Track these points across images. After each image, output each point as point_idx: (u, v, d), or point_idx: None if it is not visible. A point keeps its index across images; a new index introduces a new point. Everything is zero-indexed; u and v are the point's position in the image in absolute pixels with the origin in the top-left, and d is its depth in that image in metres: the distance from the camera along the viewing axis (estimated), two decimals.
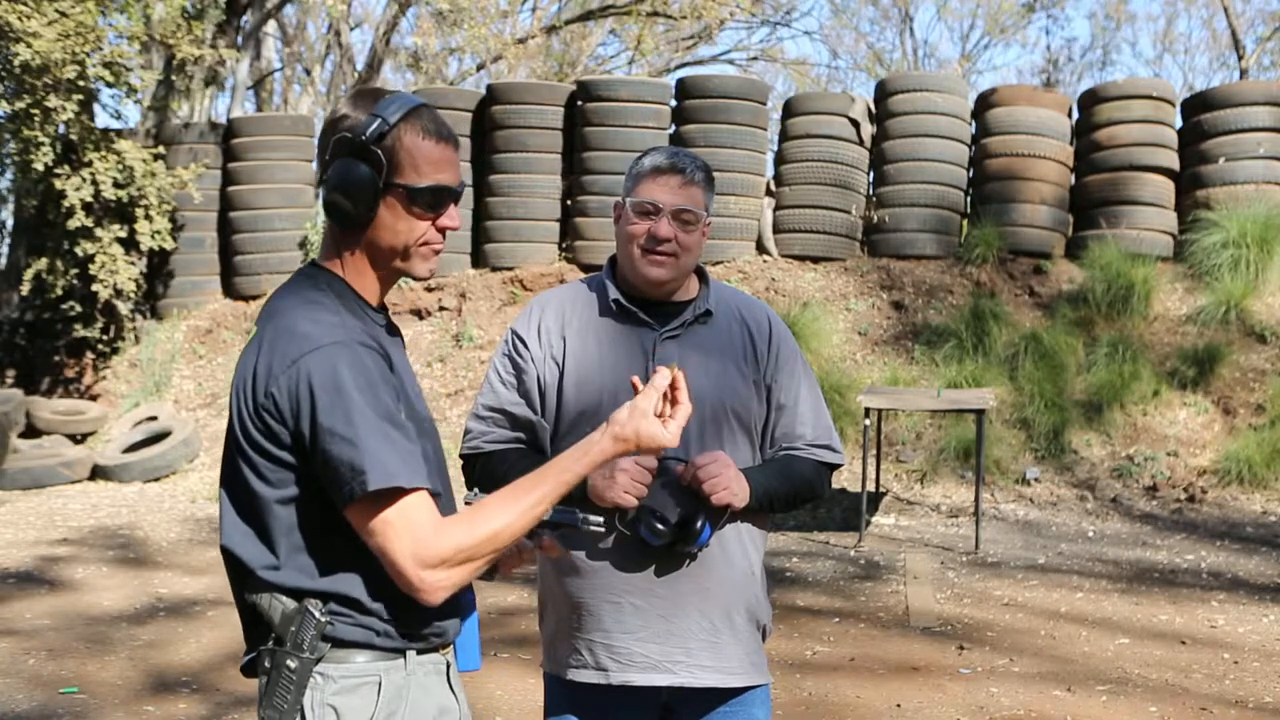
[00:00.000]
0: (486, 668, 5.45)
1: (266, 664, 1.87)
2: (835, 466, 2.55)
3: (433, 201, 1.90)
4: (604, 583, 2.37)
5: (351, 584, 1.86)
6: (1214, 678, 5.41)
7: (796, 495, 2.48)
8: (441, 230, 1.93)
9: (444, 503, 1.91)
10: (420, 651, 1.92)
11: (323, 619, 1.85)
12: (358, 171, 1.86)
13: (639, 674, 2.36)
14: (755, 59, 25.25)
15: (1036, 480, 9.66)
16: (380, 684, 1.87)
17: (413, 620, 1.89)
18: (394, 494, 1.77)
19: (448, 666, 1.98)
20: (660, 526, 2.30)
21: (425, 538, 1.77)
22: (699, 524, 2.30)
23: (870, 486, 8.82)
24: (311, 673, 1.85)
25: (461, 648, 2.01)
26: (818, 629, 6.25)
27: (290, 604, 1.86)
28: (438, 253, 1.96)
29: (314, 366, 1.80)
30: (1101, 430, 10.01)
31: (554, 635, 2.47)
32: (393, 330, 2.02)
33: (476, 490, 2.07)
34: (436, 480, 1.88)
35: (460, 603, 1.97)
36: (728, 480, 2.31)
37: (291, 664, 1.85)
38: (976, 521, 8.35)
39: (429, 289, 12.43)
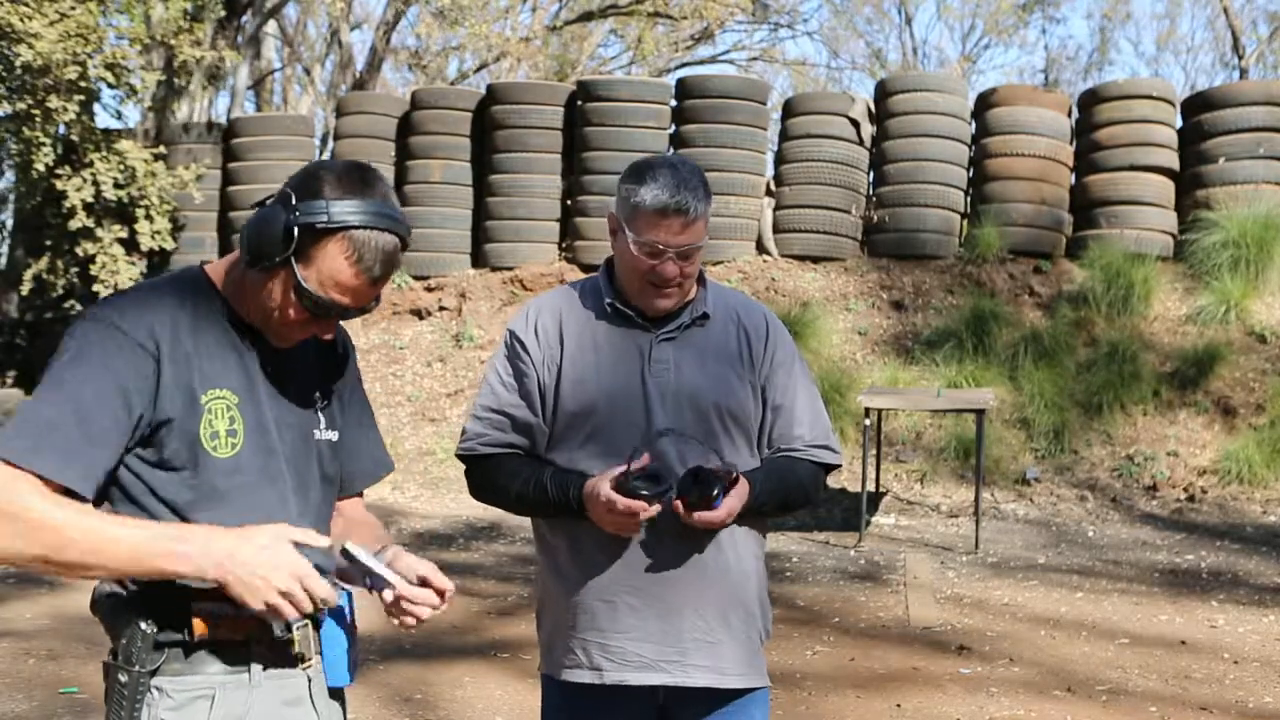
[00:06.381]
0: (487, 668, 5.46)
1: (106, 678, 1.81)
2: (833, 467, 2.54)
3: (314, 310, 1.82)
4: (600, 583, 2.37)
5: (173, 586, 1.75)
6: (1214, 678, 5.41)
7: (789, 501, 2.47)
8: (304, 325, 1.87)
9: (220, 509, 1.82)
10: (269, 665, 1.83)
11: (148, 629, 1.76)
12: (274, 231, 1.78)
13: (634, 674, 2.36)
14: (755, 59, 25.26)
15: (1036, 480, 9.66)
16: (214, 699, 1.78)
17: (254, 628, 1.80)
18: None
19: (309, 682, 1.89)
20: (670, 492, 2.25)
21: (8, 492, 1.66)
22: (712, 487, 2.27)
23: (870, 486, 8.82)
24: (146, 688, 1.76)
25: (329, 663, 1.91)
26: (817, 629, 6.25)
27: (118, 606, 1.79)
28: (292, 332, 1.89)
29: (67, 333, 1.79)
30: (1101, 430, 10.01)
31: (551, 636, 2.47)
32: (301, 345, 1.93)
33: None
34: (97, 476, 1.74)
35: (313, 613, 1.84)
36: (722, 518, 2.29)
37: (122, 678, 1.76)
38: (976, 521, 8.35)
39: (429, 289, 12.44)
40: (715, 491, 2.24)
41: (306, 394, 1.96)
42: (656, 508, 2.23)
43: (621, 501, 2.21)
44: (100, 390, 1.72)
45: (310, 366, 1.99)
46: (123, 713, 1.75)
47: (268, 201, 1.82)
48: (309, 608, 1.73)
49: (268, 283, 1.82)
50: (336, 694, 1.96)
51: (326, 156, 16.77)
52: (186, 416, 1.78)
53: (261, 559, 1.70)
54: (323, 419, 1.98)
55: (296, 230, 1.76)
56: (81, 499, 1.71)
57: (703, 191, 2.35)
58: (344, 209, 1.76)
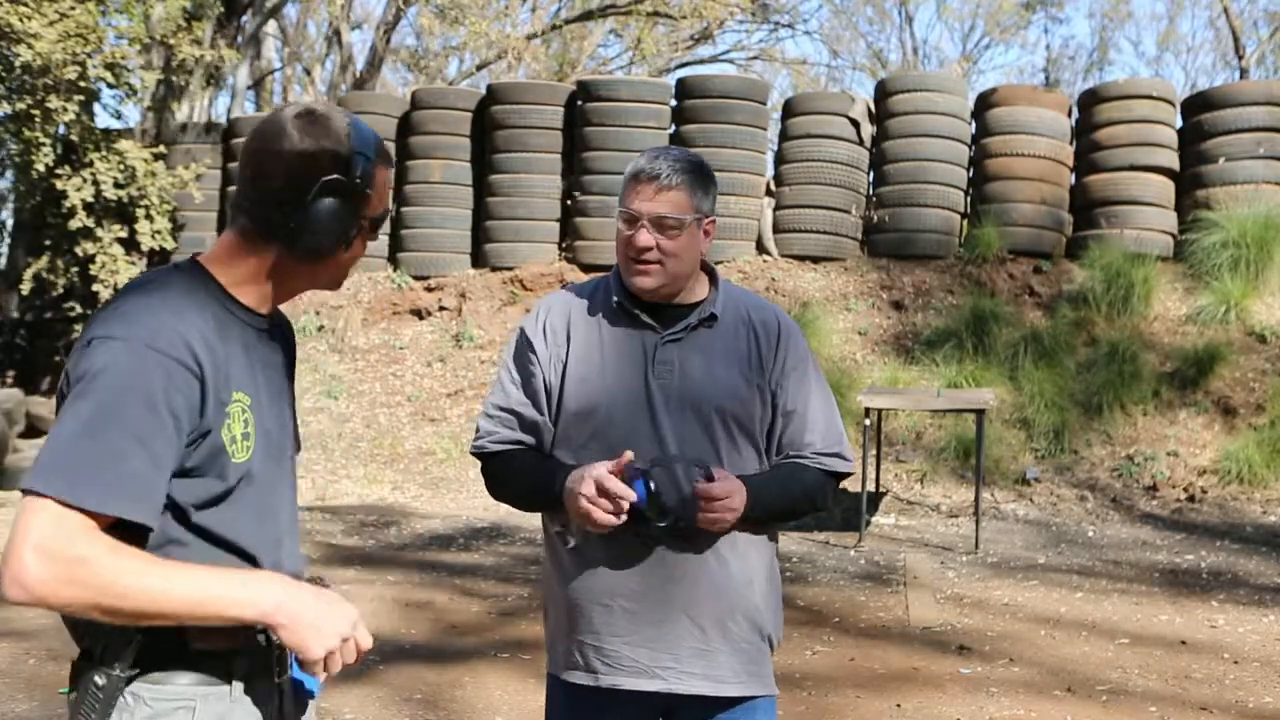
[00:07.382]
0: (487, 668, 5.46)
1: (77, 679, 1.75)
2: (844, 476, 2.51)
3: (377, 227, 1.92)
4: (598, 585, 2.36)
5: None
6: (1214, 678, 5.41)
7: (795, 508, 2.44)
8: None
9: (263, 532, 1.83)
10: (249, 678, 1.80)
11: (134, 632, 1.69)
12: (341, 210, 1.81)
13: (627, 678, 2.35)
14: (755, 59, 25.25)
15: (1036, 480, 9.66)
16: (195, 710, 1.74)
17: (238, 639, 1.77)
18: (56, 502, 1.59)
19: (280, 693, 1.86)
20: (660, 525, 2.27)
21: (63, 537, 1.57)
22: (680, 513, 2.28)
23: (870, 486, 8.83)
24: (121, 692, 1.71)
25: (300, 671, 1.87)
26: (817, 629, 6.25)
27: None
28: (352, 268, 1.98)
29: (91, 353, 1.68)
30: (1101, 430, 10.02)
31: (553, 635, 2.48)
32: (277, 333, 1.96)
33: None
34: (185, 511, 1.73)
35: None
36: (726, 517, 2.29)
37: (99, 680, 1.71)
38: (976, 521, 8.35)
39: (429, 289, 12.44)
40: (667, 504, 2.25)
41: (283, 383, 1.97)
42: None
43: (614, 485, 2.20)
44: (154, 416, 1.66)
45: (282, 354, 1.99)
46: (94, 716, 1.69)
47: (295, 214, 1.80)
48: (352, 659, 1.74)
49: (347, 249, 1.87)
50: (303, 702, 1.93)
51: None
52: (216, 424, 1.76)
53: (320, 609, 1.71)
54: (289, 409, 2.00)
55: (367, 190, 1.84)
56: (147, 530, 1.67)
57: (685, 166, 2.35)
58: (360, 139, 1.84)
